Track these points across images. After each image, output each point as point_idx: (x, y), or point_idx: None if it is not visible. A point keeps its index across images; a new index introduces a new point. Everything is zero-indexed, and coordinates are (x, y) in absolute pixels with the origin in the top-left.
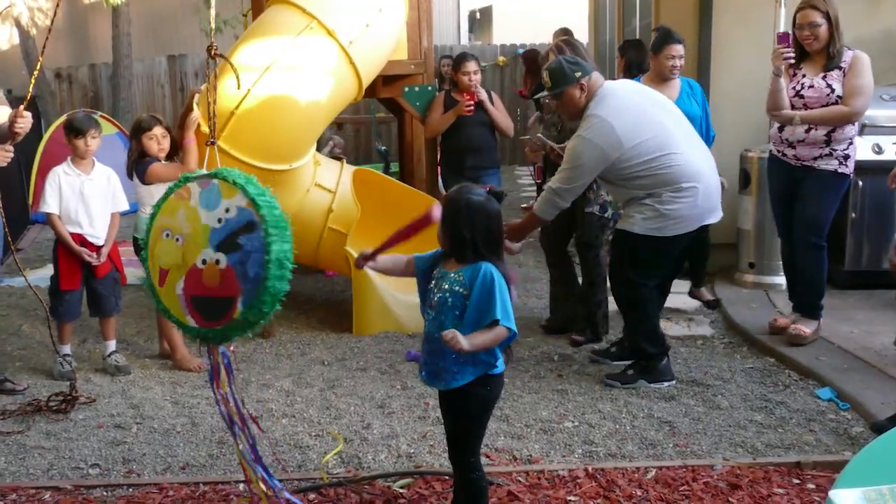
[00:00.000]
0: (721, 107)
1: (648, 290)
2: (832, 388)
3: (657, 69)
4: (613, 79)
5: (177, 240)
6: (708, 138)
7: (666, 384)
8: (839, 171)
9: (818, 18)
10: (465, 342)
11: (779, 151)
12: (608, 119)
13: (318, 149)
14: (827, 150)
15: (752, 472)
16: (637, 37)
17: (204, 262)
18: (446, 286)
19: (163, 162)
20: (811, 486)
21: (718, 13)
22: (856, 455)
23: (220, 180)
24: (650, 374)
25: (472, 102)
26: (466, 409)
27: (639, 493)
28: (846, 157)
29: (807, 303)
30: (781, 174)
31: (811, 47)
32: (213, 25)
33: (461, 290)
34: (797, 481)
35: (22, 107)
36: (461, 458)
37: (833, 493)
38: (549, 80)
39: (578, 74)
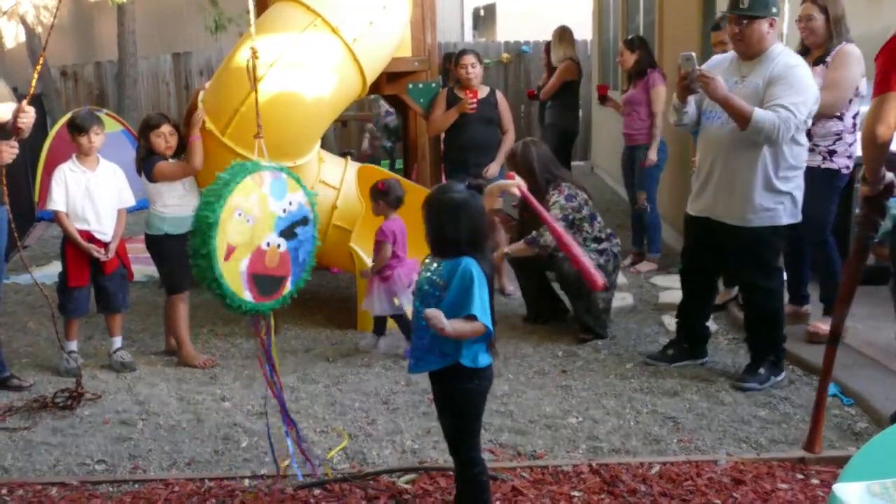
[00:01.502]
0: None
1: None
2: (836, 384)
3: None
4: (619, 75)
5: (248, 220)
6: None
7: (782, 373)
8: (823, 166)
9: (815, 13)
10: (447, 323)
11: None
12: (808, 69)
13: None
14: (809, 145)
15: (756, 468)
16: (640, 34)
17: (268, 244)
18: (425, 276)
19: (168, 160)
20: (815, 481)
21: (722, 8)
22: (860, 449)
23: (286, 175)
24: (778, 367)
25: (474, 101)
26: (452, 403)
27: (643, 488)
28: (832, 152)
29: (831, 296)
30: None
31: (808, 40)
32: (252, 29)
33: (438, 280)
34: (801, 477)
35: (25, 102)
36: (459, 453)
37: (837, 488)
38: (748, 1)
39: (775, 11)
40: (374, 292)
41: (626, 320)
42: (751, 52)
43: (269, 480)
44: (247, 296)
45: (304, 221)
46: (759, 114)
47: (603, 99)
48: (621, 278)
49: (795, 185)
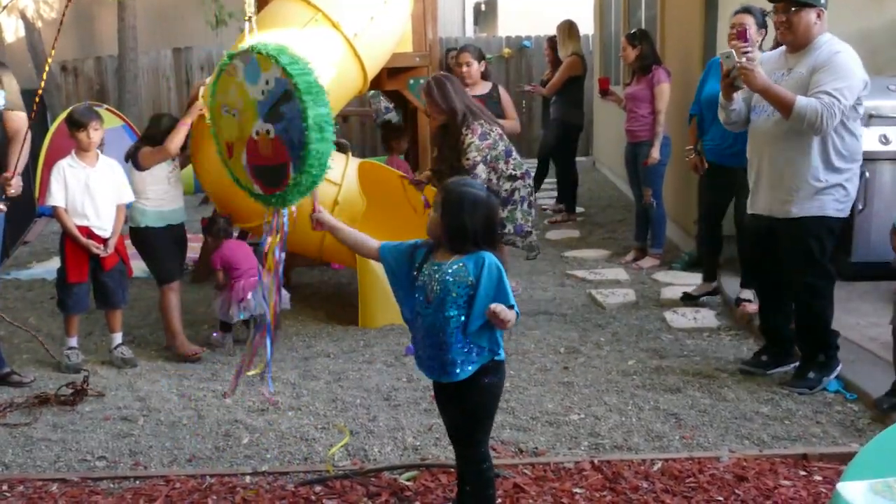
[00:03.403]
0: None
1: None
2: (839, 380)
3: None
4: (621, 70)
5: (233, 114)
6: None
7: (836, 371)
8: None
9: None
10: (512, 315)
11: None
12: (854, 54)
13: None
14: None
15: (759, 464)
16: (642, 28)
17: (257, 133)
18: (448, 278)
19: (149, 147)
20: (818, 477)
21: (724, 2)
22: (863, 447)
23: (257, 54)
24: (830, 367)
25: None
26: (478, 400)
27: (645, 485)
28: None
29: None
30: None
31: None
32: (253, 24)
33: (468, 279)
34: (804, 473)
35: (12, 173)
36: (468, 449)
37: (840, 486)
38: None
39: (824, 1)
40: (219, 300)
41: (628, 316)
42: (797, 43)
43: (270, 477)
44: (256, 188)
45: (286, 97)
46: (801, 101)
47: (604, 93)
48: (623, 274)
49: (846, 178)
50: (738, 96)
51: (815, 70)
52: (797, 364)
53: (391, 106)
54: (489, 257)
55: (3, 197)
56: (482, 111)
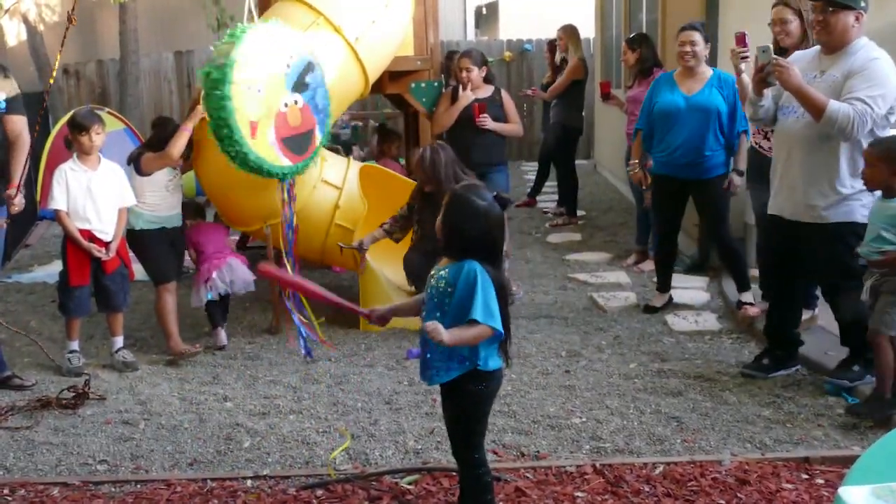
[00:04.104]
0: None
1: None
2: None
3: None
4: (622, 73)
5: (258, 91)
6: (733, 133)
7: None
8: None
9: (789, 16)
10: (445, 335)
11: (756, 143)
12: (891, 61)
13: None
14: None
15: (761, 468)
16: (643, 31)
17: (286, 105)
18: (433, 283)
19: (151, 152)
20: (820, 480)
21: (725, 7)
22: (865, 452)
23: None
24: (870, 366)
25: (484, 117)
26: (459, 405)
27: (647, 488)
28: None
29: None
30: (760, 167)
31: (783, 43)
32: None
33: (446, 286)
34: (806, 476)
35: (14, 189)
36: (463, 454)
37: (843, 490)
38: None
39: (864, 5)
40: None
41: (630, 320)
42: (833, 44)
43: (271, 481)
44: (285, 162)
45: (309, 68)
46: (833, 105)
47: (606, 97)
48: (624, 277)
49: None
50: (769, 93)
51: (850, 75)
52: (797, 367)
53: (346, 120)
54: (470, 264)
55: (6, 214)
56: (472, 177)
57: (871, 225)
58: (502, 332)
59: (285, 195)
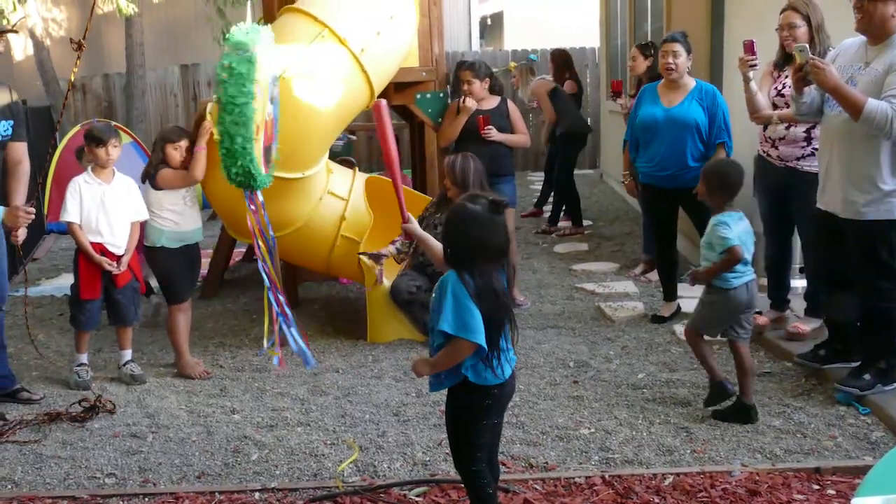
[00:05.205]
0: (733, 111)
1: None
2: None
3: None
4: (627, 81)
5: (260, 94)
6: (710, 145)
7: (893, 384)
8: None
9: (797, 20)
10: (426, 367)
11: (764, 152)
12: None
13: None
14: (809, 150)
15: (771, 478)
16: (650, 40)
17: (269, 115)
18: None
19: (171, 169)
20: (831, 491)
21: (731, 16)
22: (878, 462)
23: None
24: (889, 376)
25: (489, 129)
26: (450, 415)
27: (656, 499)
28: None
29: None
30: (767, 175)
31: (790, 48)
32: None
33: (434, 297)
34: (817, 487)
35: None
36: (456, 466)
37: (855, 501)
38: None
39: None
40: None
41: (637, 329)
42: (873, 33)
43: (279, 494)
44: (263, 170)
45: (275, 81)
46: (871, 104)
47: (616, 94)
48: (632, 287)
49: None
50: (811, 89)
51: (891, 70)
52: (858, 363)
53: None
54: (449, 275)
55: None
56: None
57: None
58: (478, 342)
59: (254, 205)
